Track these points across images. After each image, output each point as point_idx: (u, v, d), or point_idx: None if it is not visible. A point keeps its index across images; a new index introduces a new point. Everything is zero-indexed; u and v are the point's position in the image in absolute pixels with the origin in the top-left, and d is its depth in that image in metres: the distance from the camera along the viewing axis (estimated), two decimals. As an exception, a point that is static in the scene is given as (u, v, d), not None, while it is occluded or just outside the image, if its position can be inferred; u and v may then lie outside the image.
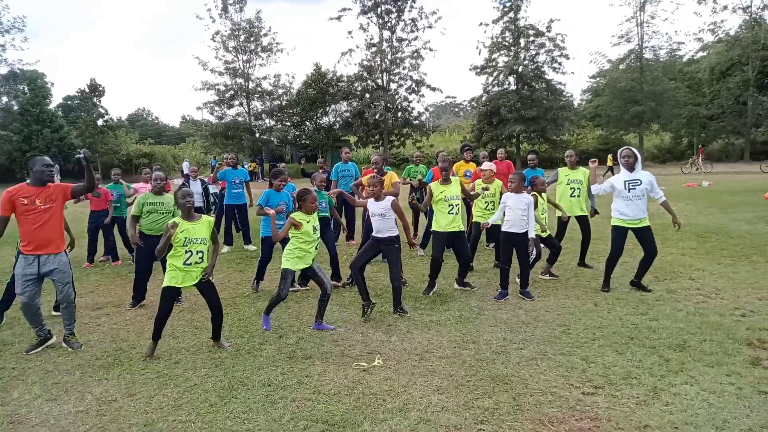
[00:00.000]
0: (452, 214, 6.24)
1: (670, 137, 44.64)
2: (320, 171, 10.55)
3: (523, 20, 40.58)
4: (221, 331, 4.96)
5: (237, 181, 9.53)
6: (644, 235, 6.06)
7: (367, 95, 40.92)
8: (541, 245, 6.90)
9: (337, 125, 43.67)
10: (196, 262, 4.63)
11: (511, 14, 40.52)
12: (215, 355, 4.73)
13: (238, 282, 7.20)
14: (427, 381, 4.04)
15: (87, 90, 42.69)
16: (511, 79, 40.96)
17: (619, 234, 6.13)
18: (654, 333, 4.84)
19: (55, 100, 45.88)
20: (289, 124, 44.02)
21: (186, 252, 4.60)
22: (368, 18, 40.75)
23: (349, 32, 45.26)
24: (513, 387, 3.88)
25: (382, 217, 5.69)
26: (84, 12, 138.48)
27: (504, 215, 6.18)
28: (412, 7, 40.20)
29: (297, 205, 5.32)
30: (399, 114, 41.61)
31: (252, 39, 41.49)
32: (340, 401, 3.76)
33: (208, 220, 4.81)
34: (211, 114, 42.26)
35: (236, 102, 42.18)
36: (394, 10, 40.11)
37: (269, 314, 5.34)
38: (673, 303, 5.72)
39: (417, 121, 42.53)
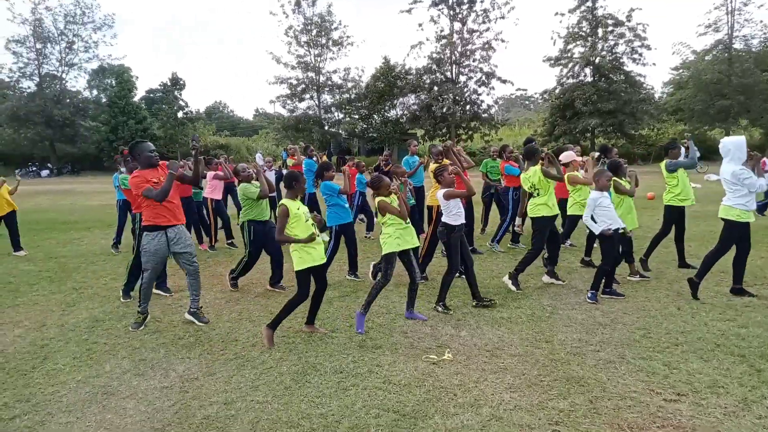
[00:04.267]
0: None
1: (761, 133, 41.49)
2: (383, 161, 10.73)
3: (602, 9, 38.79)
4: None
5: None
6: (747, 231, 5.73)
7: (436, 88, 40.60)
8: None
9: (405, 118, 43.67)
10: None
11: (589, 3, 38.85)
12: (289, 339, 4.87)
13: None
14: (499, 378, 3.98)
15: (169, 83, 44.96)
16: (587, 70, 39.36)
17: (744, 231, 5.72)
18: (743, 341, 4.53)
19: (138, 93, 48.69)
20: (357, 116, 44.52)
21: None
22: (439, 10, 40.41)
23: (420, 25, 44.98)
24: (589, 389, 3.76)
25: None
26: (160, 8, 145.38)
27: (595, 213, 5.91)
28: (484, -3, 39.49)
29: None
30: (467, 107, 41.07)
31: (323, 33, 42.24)
32: (410, 392, 3.78)
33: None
34: (284, 107, 43.56)
35: (307, 95, 43.18)
36: (465, 1, 39.52)
37: (366, 312, 5.17)
38: (764, 310, 5.33)
39: (486, 114, 41.83)
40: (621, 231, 5.98)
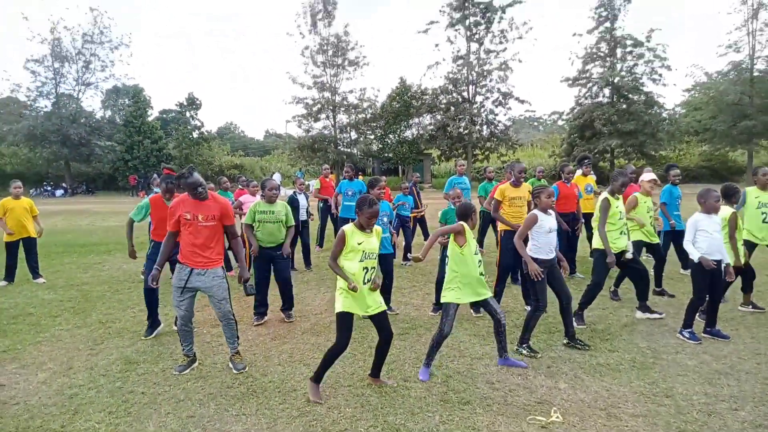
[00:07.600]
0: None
1: (781, 155, 40.55)
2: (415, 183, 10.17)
3: (620, 30, 38.42)
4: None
5: (350, 193, 9.10)
6: None
7: (452, 108, 40.15)
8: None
9: (421, 138, 43.13)
10: (368, 279, 4.04)
11: (608, 24, 38.48)
12: (356, 391, 4.16)
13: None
14: (632, 448, 3.25)
15: (185, 103, 44.85)
16: (606, 90, 38.82)
17: None
18: None
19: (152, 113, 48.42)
20: (372, 137, 44.07)
21: (363, 269, 3.99)
22: (456, 30, 40.09)
23: (436, 45, 44.81)
24: (754, 467, 3.02)
25: (551, 231, 4.92)
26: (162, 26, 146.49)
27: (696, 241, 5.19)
28: (501, 18, 39.10)
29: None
30: (484, 127, 40.55)
31: (339, 53, 41.99)
32: (529, 468, 3.05)
33: (377, 231, 4.18)
34: (299, 127, 43.08)
35: (323, 115, 42.75)
36: (482, 21, 39.16)
37: (430, 364, 4.46)
38: None
39: (503, 134, 41.22)
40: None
